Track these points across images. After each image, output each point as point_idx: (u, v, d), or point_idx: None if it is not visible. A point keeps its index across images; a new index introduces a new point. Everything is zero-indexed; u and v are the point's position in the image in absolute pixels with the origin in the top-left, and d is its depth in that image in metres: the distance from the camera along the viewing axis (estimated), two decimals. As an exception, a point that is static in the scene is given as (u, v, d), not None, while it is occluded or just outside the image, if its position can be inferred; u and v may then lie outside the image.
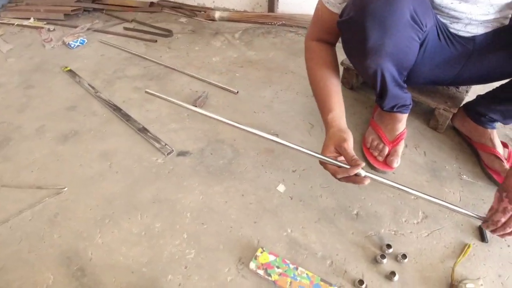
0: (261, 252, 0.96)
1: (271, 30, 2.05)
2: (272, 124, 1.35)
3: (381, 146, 1.19)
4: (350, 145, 0.89)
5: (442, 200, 0.91)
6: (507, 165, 1.19)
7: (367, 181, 0.84)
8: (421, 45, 0.98)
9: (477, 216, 0.95)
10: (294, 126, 1.34)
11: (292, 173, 1.17)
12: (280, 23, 2.08)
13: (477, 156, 1.28)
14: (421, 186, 1.16)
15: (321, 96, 1.02)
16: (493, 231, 0.92)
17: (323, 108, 1.00)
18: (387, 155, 1.18)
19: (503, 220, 0.88)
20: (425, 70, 1.09)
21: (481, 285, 0.95)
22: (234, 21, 2.15)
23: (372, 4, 0.83)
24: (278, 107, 1.44)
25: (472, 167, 1.26)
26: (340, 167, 0.87)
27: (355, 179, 0.86)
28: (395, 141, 1.19)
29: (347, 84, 1.51)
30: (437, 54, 1.06)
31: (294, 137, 1.28)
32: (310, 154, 0.88)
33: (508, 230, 0.89)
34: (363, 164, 0.84)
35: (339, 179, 0.89)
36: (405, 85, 1.11)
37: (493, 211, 0.91)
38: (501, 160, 1.20)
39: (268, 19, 2.10)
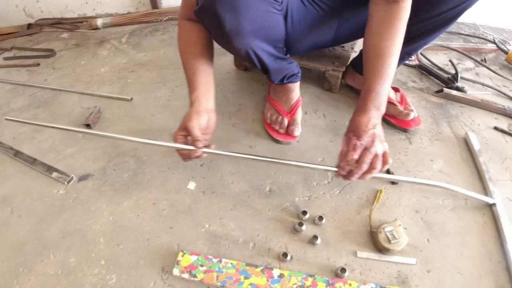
0: (182, 256, 0.93)
1: (158, 27, 1.99)
2: (171, 124, 1.31)
3: (279, 118, 1.20)
4: (195, 125, 0.90)
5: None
6: (401, 108, 1.26)
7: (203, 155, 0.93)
8: (286, 15, 0.99)
9: (331, 168, 0.92)
10: (195, 120, 1.31)
11: (200, 168, 1.15)
12: (167, 18, 2.02)
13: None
14: (325, 146, 1.20)
15: (188, 75, 0.99)
16: (350, 175, 0.88)
17: (190, 87, 0.98)
18: (288, 125, 1.20)
19: (355, 156, 0.84)
20: (301, 37, 1.11)
21: (399, 225, 1.00)
22: (119, 25, 2.05)
23: None
24: (175, 104, 1.40)
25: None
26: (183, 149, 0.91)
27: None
28: (292, 111, 1.21)
29: (240, 66, 1.51)
30: (307, 20, 1.07)
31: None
32: (160, 145, 0.95)
33: (365, 167, 0.85)
34: (201, 145, 0.89)
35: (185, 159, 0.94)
36: (286, 56, 1.12)
37: (343, 153, 0.88)
38: (394, 104, 1.26)
39: (154, 16, 2.03)
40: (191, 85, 0.97)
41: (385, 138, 0.88)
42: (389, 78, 0.89)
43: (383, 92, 0.88)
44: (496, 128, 1.39)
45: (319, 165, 0.94)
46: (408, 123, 1.27)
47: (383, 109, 0.89)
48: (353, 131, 0.86)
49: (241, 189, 1.08)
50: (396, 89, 1.34)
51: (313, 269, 0.92)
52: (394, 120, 1.28)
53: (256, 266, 0.91)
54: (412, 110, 1.27)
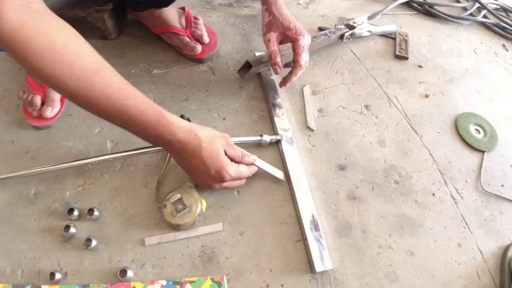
0: None
1: None
2: None
3: (30, 97, 0.91)
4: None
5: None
6: (186, 39, 1.04)
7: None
8: None
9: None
10: None
11: None
12: None
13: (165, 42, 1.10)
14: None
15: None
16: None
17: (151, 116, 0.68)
18: (42, 104, 0.92)
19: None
20: None
21: (191, 187, 0.82)
22: None
23: None
24: None
25: (164, 56, 1.08)
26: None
27: None
28: (43, 85, 0.93)
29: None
30: None
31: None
32: None
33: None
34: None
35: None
36: None
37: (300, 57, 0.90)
38: (178, 34, 1.03)
39: None
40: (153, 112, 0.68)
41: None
42: None
43: None
44: (320, 29, 1.23)
45: None
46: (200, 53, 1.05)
47: None
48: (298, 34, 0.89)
49: (2, 204, 0.82)
50: (182, 9, 1.09)
51: (93, 279, 0.73)
52: (184, 51, 1.06)
53: (18, 298, 0.72)
54: (201, 36, 1.05)
